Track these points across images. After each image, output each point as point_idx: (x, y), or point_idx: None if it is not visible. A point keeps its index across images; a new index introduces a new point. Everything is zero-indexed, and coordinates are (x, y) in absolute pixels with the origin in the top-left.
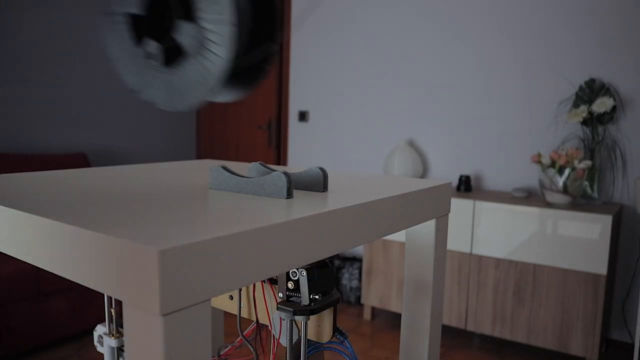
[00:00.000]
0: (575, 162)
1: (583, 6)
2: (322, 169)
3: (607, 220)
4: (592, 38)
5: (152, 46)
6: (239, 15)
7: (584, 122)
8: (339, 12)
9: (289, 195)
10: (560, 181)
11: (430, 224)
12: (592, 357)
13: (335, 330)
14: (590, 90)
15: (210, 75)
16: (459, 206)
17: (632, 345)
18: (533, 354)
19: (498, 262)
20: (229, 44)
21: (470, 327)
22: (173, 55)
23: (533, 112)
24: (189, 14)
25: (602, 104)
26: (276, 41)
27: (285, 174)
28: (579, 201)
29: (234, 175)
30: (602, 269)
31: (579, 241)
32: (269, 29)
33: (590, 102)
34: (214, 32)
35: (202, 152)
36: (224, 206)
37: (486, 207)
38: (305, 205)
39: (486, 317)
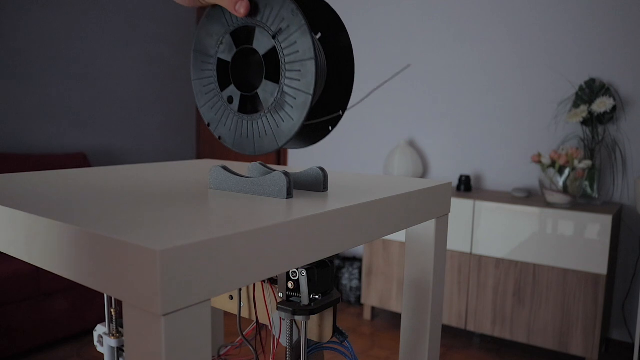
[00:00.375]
0: (575, 162)
1: (583, 6)
2: (322, 169)
3: (607, 220)
4: (592, 38)
5: (234, 92)
6: (318, 87)
7: (584, 122)
8: (339, 11)
9: (289, 195)
10: (560, 181)
11: (430, 224)
12: (592, 357)
13: (335, 330)
14: (590, 90)
15: (280, 132)
16: (459, 206)
17: (632, 345)
18: (533, 354)
19: (498, 262)
20: (303, 110)
21: (470, 327)
22: (250, 104)
23: (533, 112)
24: (276, 76)
25: (602, 104)
26: (344, 110)
27: (286, 173)
28: (579, 201)
29: (234, 175)
30: (602, 269)
31: (579, 241)
32: (342, 98)
33: (590, 102)
34: (293, 97)
35: (202, 152)
36: (224, 206)
37: (486, 207)
38: (305, 205)
39: (486, 317)
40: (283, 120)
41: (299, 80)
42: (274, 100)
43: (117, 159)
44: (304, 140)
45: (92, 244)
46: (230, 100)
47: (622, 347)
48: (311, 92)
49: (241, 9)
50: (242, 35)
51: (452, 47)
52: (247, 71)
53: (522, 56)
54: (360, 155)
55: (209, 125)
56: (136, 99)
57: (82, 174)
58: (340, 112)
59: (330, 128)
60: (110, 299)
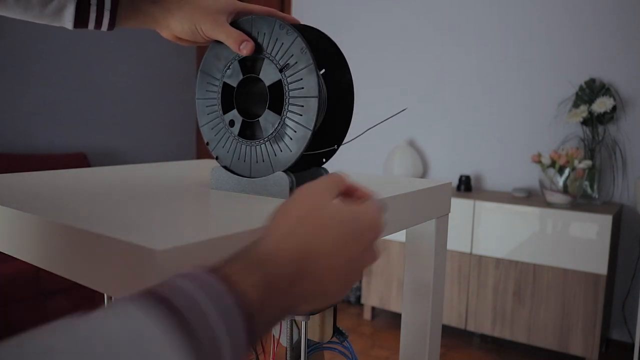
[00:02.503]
0: (576, 162)
1: (583, 6)
2: (324, 169)
3: (607, 220)
4: (592, 38)
5: (236, 117)
6: (318, 121)
7: (584, 122)
8: (340, 12)
9: None
10: (561, 181)
11: (431, 224)
12: (592, 357)
13: (336, 330)
14: (591, 90)
15: (277, 160)
16: (459, 206)
17: (632, 345)
18: (533, 354)
19: (498, 262)
20: (302, 143)
21: (471, 327)
22: (249, 130)
23: (533, 112)
24: (279, 107)
25: (602, 104)
26: (339, 144)
27: (288, 174)
28: (579, 201)
29: (235, 176)
30: (602, 269)
31: (579, 241)
32: (339, 132)
33: (590, 102)
34: (293, 130)
35: (202, 152)
36: (226, 206)
37: (486, 207)
38: None
39: (486, 317)
40: (281, 150)
41: (301, 115)
42: (275, 130)
43: (117, 159)
44: (295, 168)
45: (92, 243)
46: (231, 123)
47: (622, 347)
48: (311, 127)
49: (244, 50)
50: (249, 62)
51: (452, 46)
52: (250, 97)
53: (522, 56)
54: (360, 155)
55: (207, 144)
56: (136, 99)
57: (82, 174)
58: (335, 147)
59: (324, 160)
60: (110, 299)
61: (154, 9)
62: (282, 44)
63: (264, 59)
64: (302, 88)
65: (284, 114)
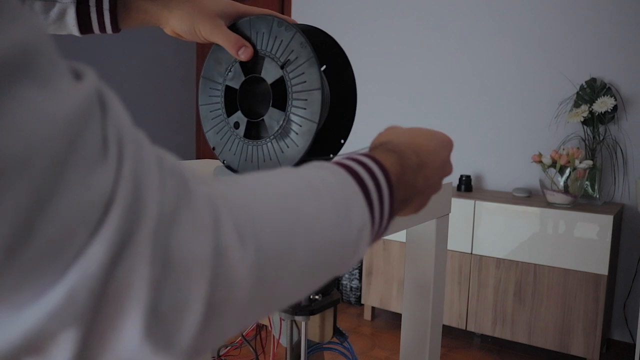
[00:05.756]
0: (576, 162)
1: (584, 5)
2: None
3: (608, 220)
4: (593, 37)
5: (241, 118)
6: (323, 114)
7: (585, 122)
8: (339, 13)
9: None
10: (561, 181)
11: (431, 224)
12: (593, 357)
13: (336, 330)
14: (591, 90)
15: (284, 157)
16: (460, 206)
17: (634, 346)
18: (534, 355)
19: (499, 262)
20: (308, 137)
21: (471, 328)
22: (255, 130)
23: (534, 111)
24: (283, 104)
25: (603, 104)
26: (346, 138)
27: None
28: (580, 201)
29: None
30: (603, 269)
31: (580, 241)
32: (344, 131)
33: (591, 101)
34: (298, 125)
35: (202, 152)
36: None
37: (487, 207)
38: None
39: (487, 317)
40: (288, 147)
41: (305, 109)
42: (280, 127)
43: None
44: (302, 163)
45: None
46: (236, 125)
47: (623, 347)
48: (317, 120)
49: (242, 55)
50: (249, 63)
51: (452, 46)
52: (253, 98)
53: (522, 55)
54: None
55: (213, 149)
56: (136, 99)
57: None
58: (342, 141)
59: (331, 156)
60: None
61: (154, 6)
62: (282, 40)
63: (264, 57)
64: (305, 82)
65: (288, 109)
